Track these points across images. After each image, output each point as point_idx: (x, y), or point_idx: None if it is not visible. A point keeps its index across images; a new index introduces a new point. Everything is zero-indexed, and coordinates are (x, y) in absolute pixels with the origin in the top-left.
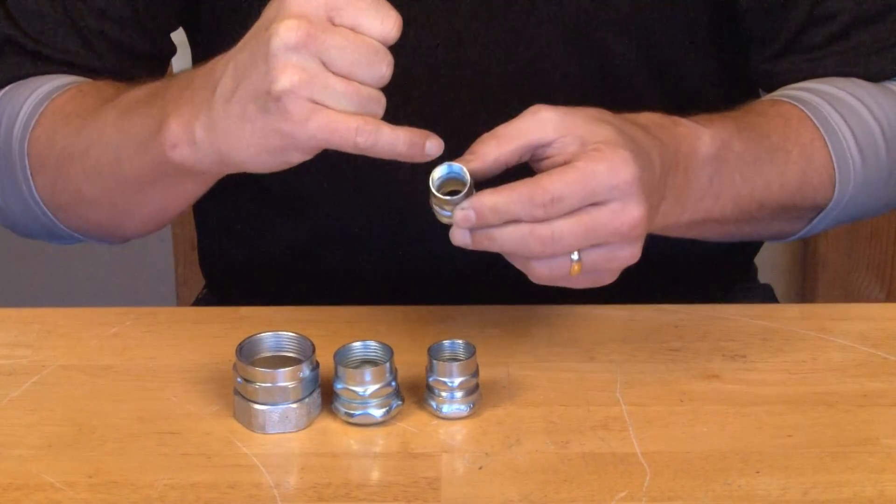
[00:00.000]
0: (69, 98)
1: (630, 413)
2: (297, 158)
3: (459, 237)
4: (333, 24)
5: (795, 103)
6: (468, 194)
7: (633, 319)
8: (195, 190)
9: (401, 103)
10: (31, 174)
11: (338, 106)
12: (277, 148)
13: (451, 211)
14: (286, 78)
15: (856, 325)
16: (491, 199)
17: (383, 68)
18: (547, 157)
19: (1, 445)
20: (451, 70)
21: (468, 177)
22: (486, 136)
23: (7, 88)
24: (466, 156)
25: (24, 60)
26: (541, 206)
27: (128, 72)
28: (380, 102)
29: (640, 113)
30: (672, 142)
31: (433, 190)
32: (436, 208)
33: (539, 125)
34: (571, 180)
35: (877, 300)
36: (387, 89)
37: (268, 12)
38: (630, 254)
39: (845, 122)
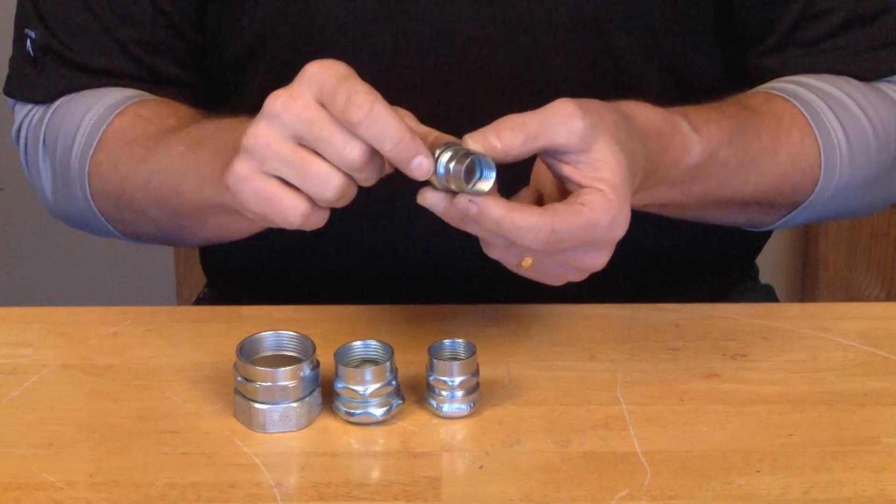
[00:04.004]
0: (130, 123)
1: (630, 412)
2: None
3: (431, 199)
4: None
5: (790, 98)
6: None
7: (634, 319)
8: (252, 225)
9: (404, 96)
10: (91, 195)
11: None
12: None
13: (456, 188)
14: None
15: (856, 324)
16: (498, 214)
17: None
18: (557, 160)
19: (1, 445)
20: (453, 62)
21: (493, 178)
22: (514, 122)
23: (59, 102)
24: (491, 138)
25: (68, 72)
26: (536, 240)
27: (168, 77)
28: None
29: (652, 111)
30: (660, 153)
31: (462, 176)
32: (439, 167)
33: (566, 134)
34: (578, 226)
35: (877, 299)
36: (391, 82)
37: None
38: (577, 277)
39: (838, 120)
